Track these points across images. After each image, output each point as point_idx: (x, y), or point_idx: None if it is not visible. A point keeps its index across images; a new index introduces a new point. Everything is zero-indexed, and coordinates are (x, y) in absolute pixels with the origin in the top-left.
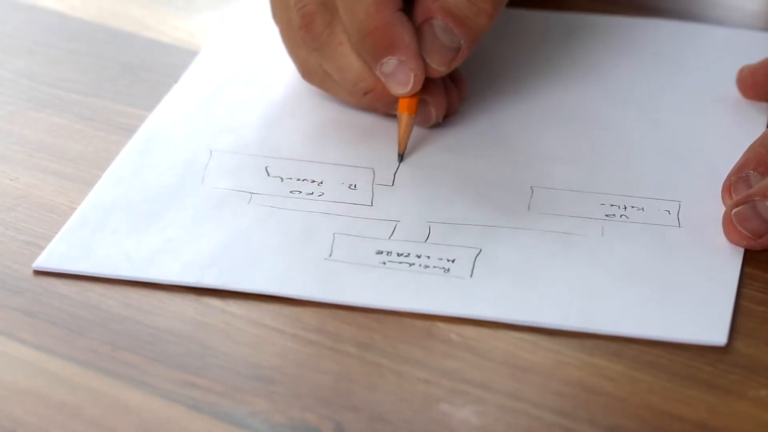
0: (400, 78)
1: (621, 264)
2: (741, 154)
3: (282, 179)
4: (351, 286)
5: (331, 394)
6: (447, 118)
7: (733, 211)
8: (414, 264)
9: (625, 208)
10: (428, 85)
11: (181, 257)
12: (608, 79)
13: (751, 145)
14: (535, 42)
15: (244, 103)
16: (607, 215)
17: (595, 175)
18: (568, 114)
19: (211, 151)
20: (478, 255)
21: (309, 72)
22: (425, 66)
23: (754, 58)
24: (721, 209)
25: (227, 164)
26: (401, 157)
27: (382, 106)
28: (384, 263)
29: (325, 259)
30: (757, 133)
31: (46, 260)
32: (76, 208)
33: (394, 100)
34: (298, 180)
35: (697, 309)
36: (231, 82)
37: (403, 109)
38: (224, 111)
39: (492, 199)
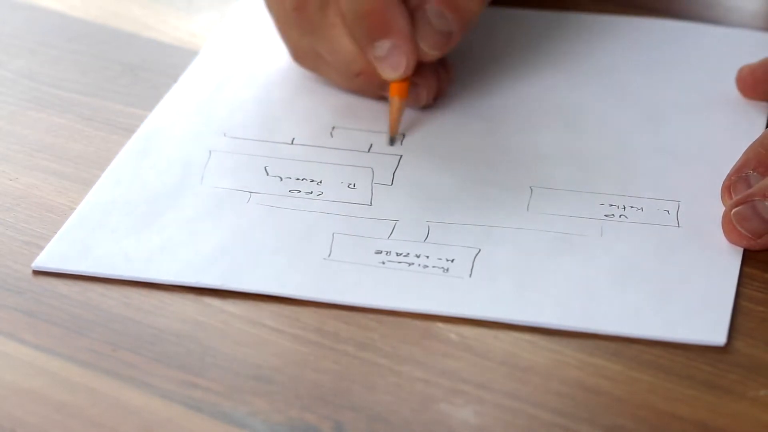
0: (393, 61)
1: (620, 264)
2: (741, 154)
3: (281, 179)
4: (350, 285)
5: (330, 393)
6: (436, 99)
7: (733, 211)
8: (413, 264)
9: (625, 208)
10: (419, 68)
11: (181, 257)
12: (608, 79)
13: (751, 145)
14: (535, 42)
15: (244, 103)
16: (606, 215)
17: (594, 175)
18: (567, 114)
19: (210, 151)
20: (477, 255)
21: (301, 54)
22: (418, 50)
23: (754, 58)
24: (721, 209)
25: (226, 164)
26: (392, 141)
27: (373, 88)
28: (383, 263)
29: (325, 258)
30: (757, 133)
31: (45, 260)
32: (76, 208)
33: (385, 82)
34: (297, 179)
35: (696, 309)
36: (230, 82)
37: (395, 93)
38: (224, 111)
39: (491, 199)
